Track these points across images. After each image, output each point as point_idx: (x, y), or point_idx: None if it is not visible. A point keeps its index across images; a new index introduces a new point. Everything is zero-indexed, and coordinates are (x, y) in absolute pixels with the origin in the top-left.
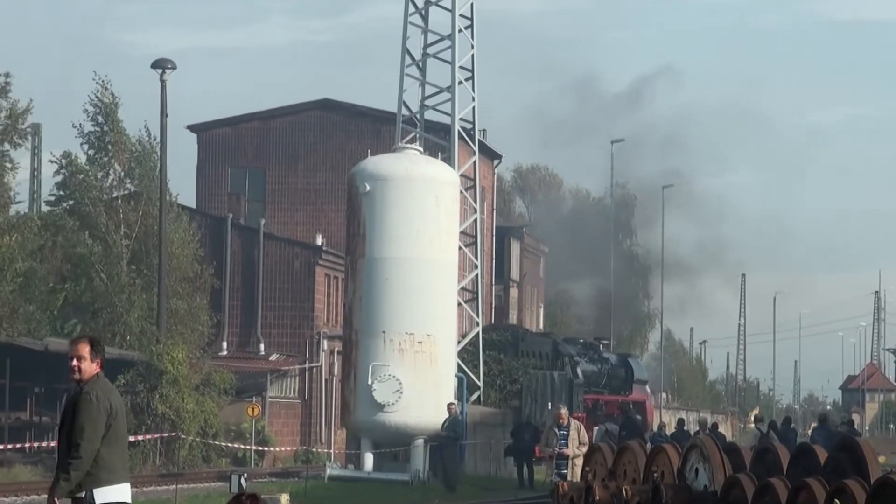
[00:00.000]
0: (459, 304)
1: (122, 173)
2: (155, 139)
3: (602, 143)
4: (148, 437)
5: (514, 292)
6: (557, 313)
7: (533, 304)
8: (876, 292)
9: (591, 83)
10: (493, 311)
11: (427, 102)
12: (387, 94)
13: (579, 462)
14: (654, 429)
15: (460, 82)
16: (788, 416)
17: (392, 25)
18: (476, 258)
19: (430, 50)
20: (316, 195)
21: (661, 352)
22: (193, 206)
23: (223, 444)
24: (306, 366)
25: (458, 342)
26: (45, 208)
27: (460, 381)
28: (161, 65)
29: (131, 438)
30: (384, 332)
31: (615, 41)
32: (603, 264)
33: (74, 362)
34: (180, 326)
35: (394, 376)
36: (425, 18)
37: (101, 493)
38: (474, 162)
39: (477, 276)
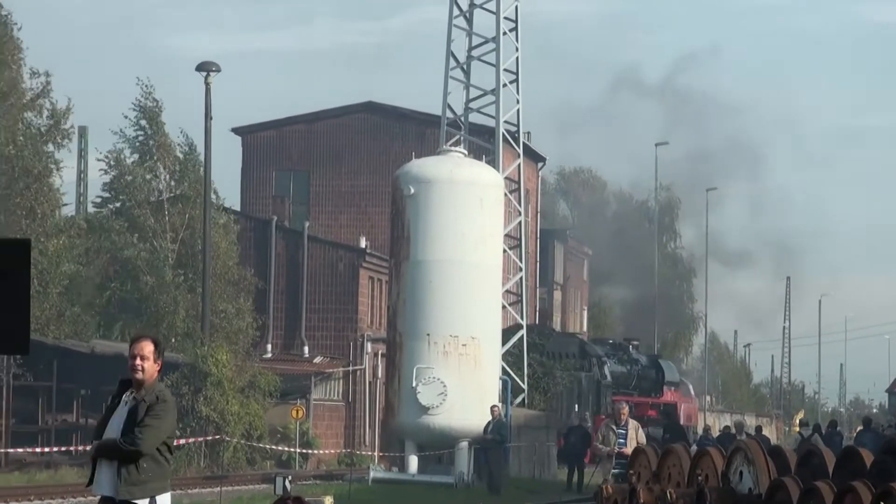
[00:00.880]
0: (504, 307)
1: (168, 176)
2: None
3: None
4: (192, 440)
5: (557, 295)
6: (601, 316)
7: (577, 307)
8: None
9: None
10: (538, 313)
11: (471, 105)
12: (431, 97)
13: None
14: (700, 431)
15: (504, 85)
16: (834, 420)
17: (437, 28)
18: (520, 261)
19: (475, 52)
20: (360, 198)
21: (705, 354)
22: (238, 208)
23: (268, 446)
24: (350, 368)
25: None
26: (91, 210)
27: (504, 383)
28: (205, 67)
29: (176, 442)
30: (428, 334)
31: (655, 44)
32: (647, 267)
33: (138, 361)
34: (225, 329)
35: (438, 379)
36: (470, 21)
37: (162, 500)
38: (518, 164)
39: (521, 278)
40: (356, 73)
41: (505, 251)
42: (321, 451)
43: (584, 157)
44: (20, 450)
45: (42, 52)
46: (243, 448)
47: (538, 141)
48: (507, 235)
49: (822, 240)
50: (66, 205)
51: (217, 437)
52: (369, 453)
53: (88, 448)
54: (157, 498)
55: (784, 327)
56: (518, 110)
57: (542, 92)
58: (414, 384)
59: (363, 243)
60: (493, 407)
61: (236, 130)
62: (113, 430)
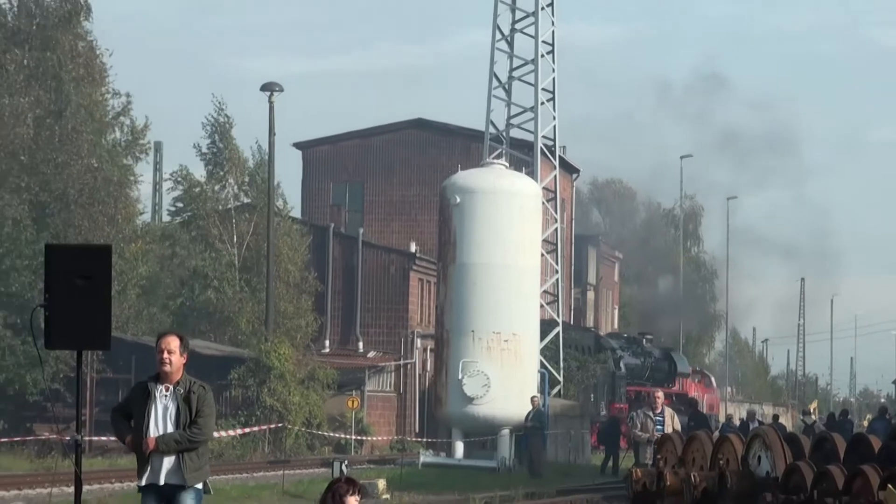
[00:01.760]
0: (541, 306)
1: (236, 187)
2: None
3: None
4: (257, 427)
5: (590, 295)
6: (631, 314)
7: (608, 306)
8: None
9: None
10: (572, 312)
11: (512, 121)
12: (476, 114)
13: None
14: (722, 420)
15: (542, 103)
16: (845, 409)
17: (481, 51)
18: (556, 264)
19: (515, 73)
20: (410, 206)
21: (726, 349)
22: (299, 216)
23: (326, 433)
24: (401, 362)
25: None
26: (166, 218)
27: (542, 376)
28: (269, 88)
29: (242, 430)
30: (473, 331)
31: (678, 65)
32: (672, 269)
33: (165, 355)
34: (287, 326)
35: (482, 372)
36: (511, 45)
37: (209, 482)
38: (555, 176)
39: (557, 280)
40: (407, 93)
41: (542, 255)
42: (375, 438)
43: (615, 169)
44: (103, 437)
45: (122, 73)
46: (304, 435)
47: (573, 154)
48: (544, 240)
49: (834, 243)
50: (143, 213)
51: (280, 424)
52: (419, 440)
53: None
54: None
55: (799, 324)
56: (554, 126)
57: (576, 108)
58: (460, 377)
59: (413, 248)
60: (532, 397)
61: (297, 145)
62: (164, 423)
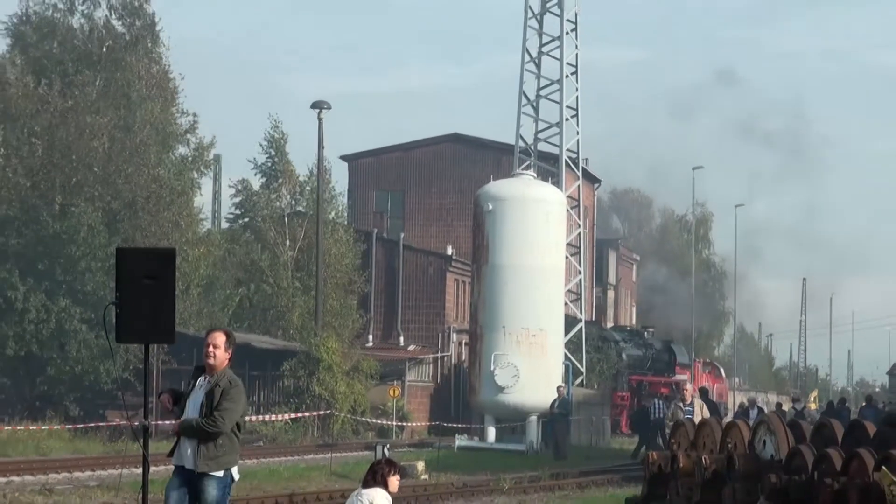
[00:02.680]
0: (566, 304)
1: (289, 196)
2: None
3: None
4: (307, 414)
5: (611, 294)
6: (647, 312)
7: (627, 304)
8: None
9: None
10: (594, 309)
11: (539, 136)
12: (506, 129)
13: None
14: (736, 407)
15: (567, 119)
16: (843, 397)
17: (512, 72)
18: (579, 265)
19: (542, 92)
20: (447, 213)
21: (734, 343)
22: (345, 222)
23: (369, 419)
24: (438, 355)
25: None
26: (224, 225)
27: (567, 367)
28: (318, 105)
29: (293, 415)
30: (504, 326)
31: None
32: (685, 270)
33: (211, 349)
34: (334, 323)
35: (512, 363)
36: (538, 66)
37: (234, 471)
38: (578, 185)
39: (580, 280)
40: (445, 109)
41: (567, 257)
42: (414, 424)
43: (633, 179)
44: (167, 422)
45: (188, 91)
46: (349, 421)
47: (594, 165)
48: (568, 244)
49: (833, 245)
50: (204, 219)
51: (328, 411)
52: (454, 425)
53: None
54: (231, 470)
55: (801, 320)
56: (578, 140)
57: (597, 123)
58: (492, 368)
59: (449, 251)
60: (558, 387)
61: (343, 157)
62: (192, 410)
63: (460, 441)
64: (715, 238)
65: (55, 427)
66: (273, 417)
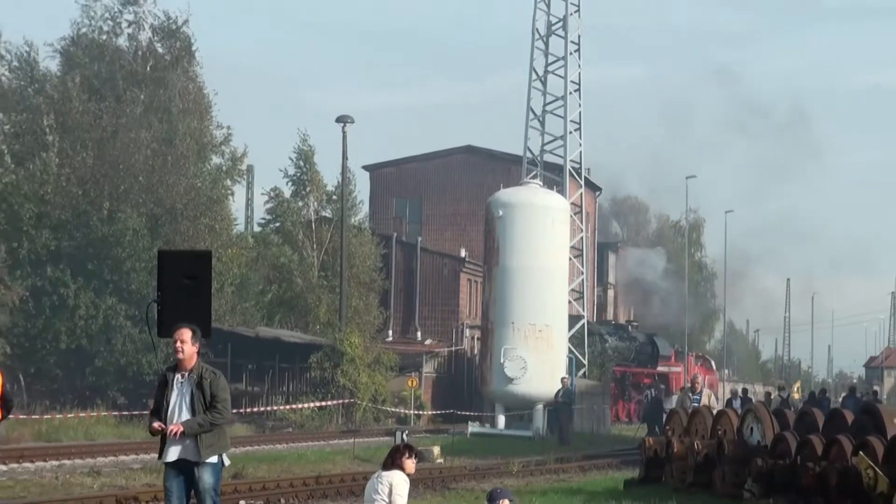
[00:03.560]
0: (569, 302)
1: (316, 203)
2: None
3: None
4: (332, 402)
5: (610, 293)
6: (643, 309)
7: (625, 302)
8: (893, 293)
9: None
10: (595, 307)
11: (545, 148)
12: (515, 142)
13: None
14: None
15: (571, 132)
16: (824, 388)
17: (521, 89)
18: (582, 266)
19: (548, 108)
20: (460, 218)
21: (724, 338)
22: (367, 227)
23: (389, 408)
24: (453, 348)
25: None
26: (256, 229)
27: (570, 360)
28: (343, 119)
29: (320, 404)
30: (513, 322)
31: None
32: (679, 271)
33: (178, 344)
34: (357, 319)
35: (520, 356)
36: (544, 84)
37: (225, 457)
38: (581, 193)
39: (583, 280)
40: (459, 124)
41: (570, 259)
42: (430, 412)
43: (630, 187)
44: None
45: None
46: (371, 409)
47: (596, 175)
48: (572, 247)
49: (815, 247)
50: (237, 224)
51: (351, 400)
52: (467, 413)
53: (254, 410)
54: (223, 455)
55: (785, 317)
56: (580, 152)
57: (599, 136)
58: (502, 361)
59: (463, 253)
60: (562, 378)
61: (365, 167)
62: (181, 409)
63: (473, 428)
64: (706, 241)
65: (102, 414)
66: (301, 406)
